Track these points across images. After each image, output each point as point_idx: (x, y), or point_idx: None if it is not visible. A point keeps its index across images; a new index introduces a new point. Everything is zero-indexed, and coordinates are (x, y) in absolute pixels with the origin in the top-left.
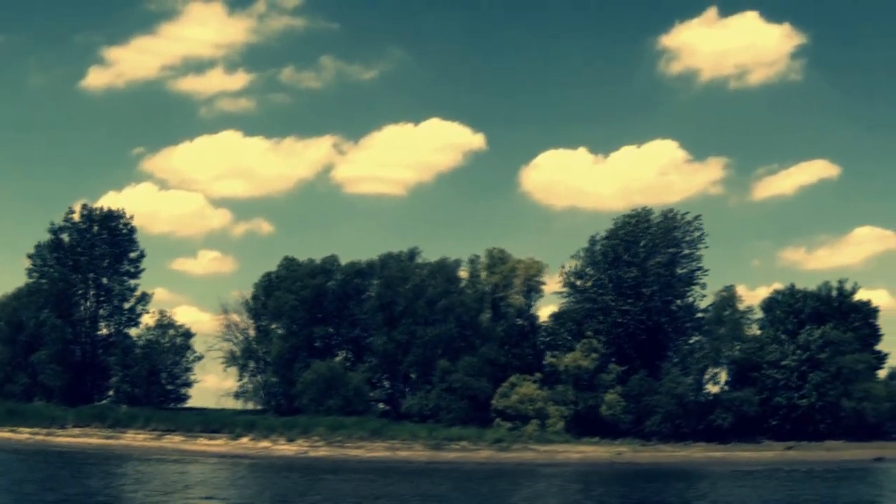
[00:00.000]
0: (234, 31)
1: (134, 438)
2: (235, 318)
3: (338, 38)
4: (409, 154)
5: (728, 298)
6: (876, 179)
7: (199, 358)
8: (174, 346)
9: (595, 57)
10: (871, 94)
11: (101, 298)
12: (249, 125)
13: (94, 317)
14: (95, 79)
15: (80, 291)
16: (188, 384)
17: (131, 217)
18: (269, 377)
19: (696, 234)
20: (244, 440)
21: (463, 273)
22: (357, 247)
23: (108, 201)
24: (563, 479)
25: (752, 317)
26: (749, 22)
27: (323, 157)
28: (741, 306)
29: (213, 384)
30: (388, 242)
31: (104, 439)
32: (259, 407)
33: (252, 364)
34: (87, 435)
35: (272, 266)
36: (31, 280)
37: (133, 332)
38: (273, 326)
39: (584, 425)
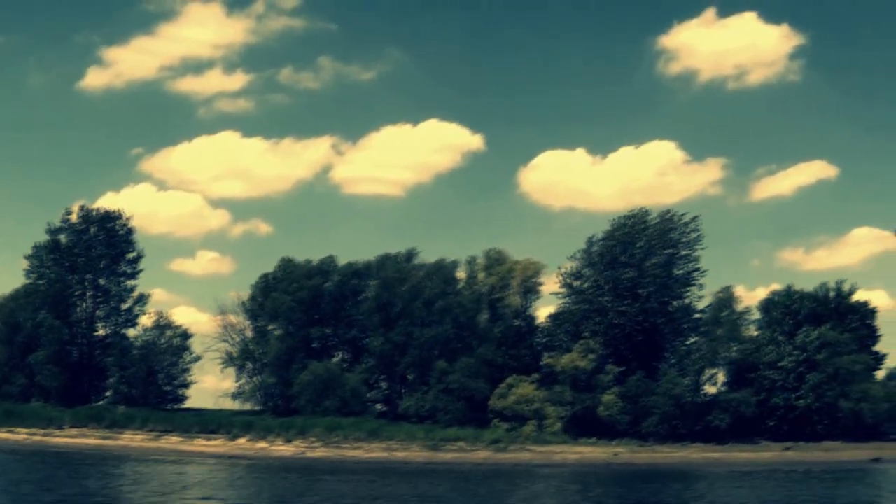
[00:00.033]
0: (233, 31)
1: (131, 439)
2: (233, 318)
3: (336, 39)
4: (407, 155)
5: (725, 299)
6: (874, 180)
7: (197, 359)
8: (172, 347)
9: (594, 57)
10: (870, 95)
11: (99, 299)
12: (248, 126)
13: (91, 318)
14: (94, 79)
15: (77, 292)
16: (186, 385)
17: (129, 218)
18: (266, 378)
19: (694, 235)
20: (241, 441)
21: (460, 274)
22: (356, 247)
23: (107, 202)
24: (560, 480)
25: (750, 318)
26: (748, 22)
27: (321, 157)
28: (739, 307)
29: (211, 385)
30: (386, 243)
31: (101, 440)
32: (256, 408)
33: (249, 365)
34: (84, 435)
35: (270, 267)
36: (28, 281)
37: (131, 332)
38: (270, 327)
39: (582, 426)
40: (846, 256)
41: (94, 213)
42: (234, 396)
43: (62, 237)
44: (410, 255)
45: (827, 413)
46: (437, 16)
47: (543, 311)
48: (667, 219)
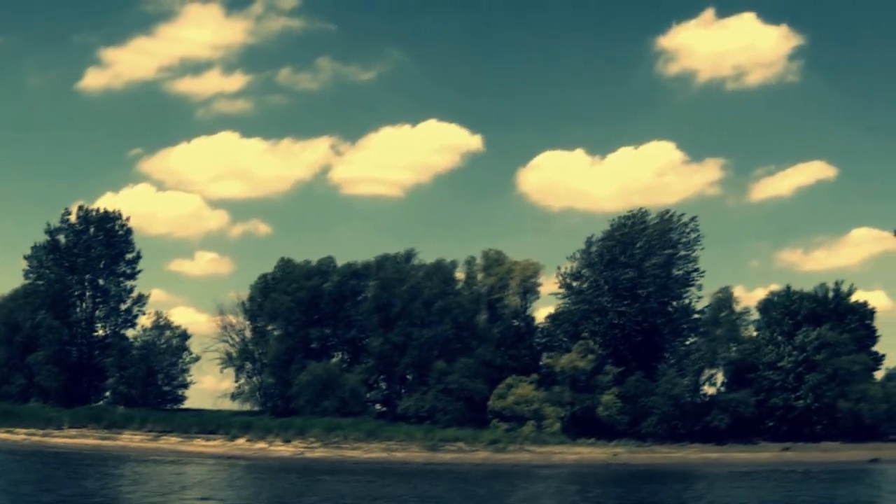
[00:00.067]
0: (232, 32)
1: (130, 439)
2: (232, 319)
3: (335, 40)
4: (406, 155)
5: (724, 300)
6: (873, 180)
7: (196, 359)
8: (171, 348)
9: (592, 58)
10: (869, 96)
11: (98, 300)
12: (247, 126)
13: (90, 318)
14: (93, 80)
15: (76, 293)
16: (185, 385)
17: (128, 218)
18: (265, 378)
19: (693, 235)
20: (240, 441)
21: (459, 274)
22: (355, 248)
23: (106, 202)
24: (559, 481)
25: (749, 318)
26: (746, 23)
27: (320, 158)
28: (738, 307)
29: (210, 385)
30: (385, 244)
31: (100, 440)
32: (256, 408)
33: (248, 365)
34: (83, 436)
35: (269, 267)
36: (27, 281)
37: (130, 333)
38: (269, 328)
39: (581, 426)
40: (845, 257)
41: (93, 213)
42: (234, 397)
43: (61, 237)
44: (409, 255)
45: (826, 413)
46: (436, 16)
47: (542, 312)
48: (666, 219)
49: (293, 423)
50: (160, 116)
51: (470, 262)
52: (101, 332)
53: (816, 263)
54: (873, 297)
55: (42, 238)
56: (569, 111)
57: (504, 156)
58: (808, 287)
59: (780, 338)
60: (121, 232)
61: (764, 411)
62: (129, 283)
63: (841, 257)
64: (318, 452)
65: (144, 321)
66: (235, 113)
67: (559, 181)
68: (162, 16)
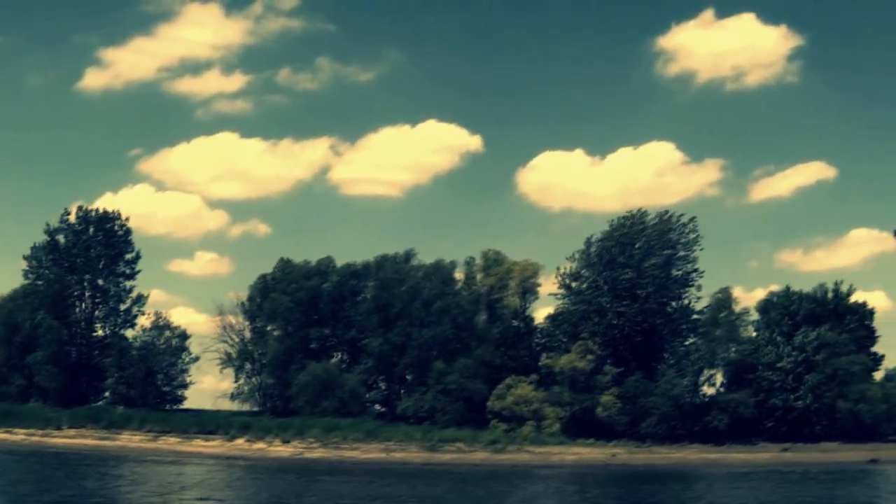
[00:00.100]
0: (231, 32)
1: (130, 440)
2: (231, 319)
3: (334, 40)
4: (405, 156)
5: (724, 300)
6: (873, 181)
7: (196, 359)
8: (170, 348)
9: (592, 58)
10: (869, 96)
11: (97, 300)
12: (246, 127)
13: (89, 318)
14: (92, 80)
15: (75, 293)
16: (184, 385)
17: (127, 218)
18: (264, 379)
19: (692, 235)
20: (239, 441)
21: (458, 275)
22: (354, 248)
23: (105, 202)
24: (559, 481)
25: (748, 318)
26: (746, 23)
27: (320, 158)
28: (737, 308)
29: (209, 386)
30: (385, 244)
31: (99, 440)
32: (255, 408)
33: (248, 365)
34: (82, 436)
35: (269, 267)
36: (27, 281)
37: (129, 333)
38: (269, 328)
39: (580, 427)
40: (845, 257)
41: (93, 213)
42: (233, 397)
43: (60, 237)
44: (409, 255)
45: (825, 414)
46: (436, 16)
47: (542, 312)
48: (665, 220)
49: (292, 423)
50: (160, 116)
51: (469, 263)
52: (100, 333)
53: (816, 264)
54: (873, 298)
55: (41, 238)
56: (568, 111)
57: (503, 156)
58: (807, 287)
59: (779, 338)
60: (120, 232)
61: (763, 412)
62: (128, 284)
63: (840, 258)
64: (317, 453)
65: (144, 321)
66: (235, 113)
67: (558, 181)
68: (162, 16)
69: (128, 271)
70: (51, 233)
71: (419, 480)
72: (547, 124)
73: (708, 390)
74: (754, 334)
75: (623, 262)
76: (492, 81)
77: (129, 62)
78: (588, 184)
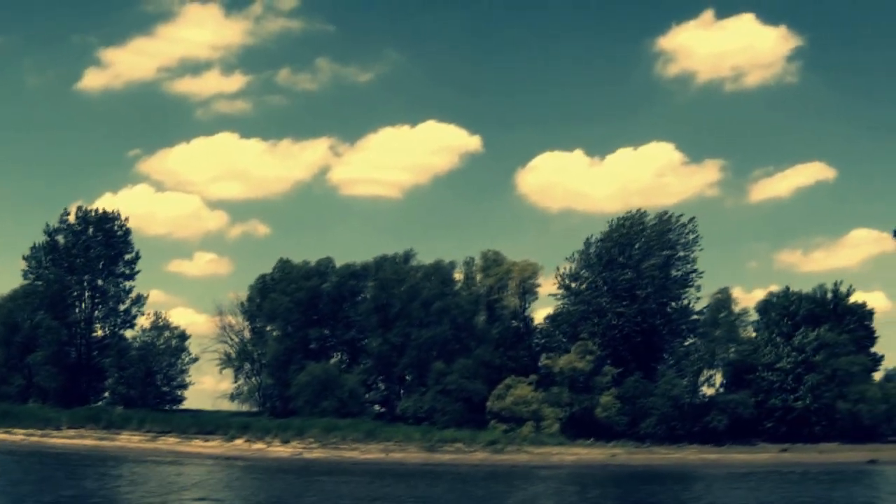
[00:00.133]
0: (231, 32)
1: (129, 440)
2: (231, 319)
3: (334, 40)
4: (405, 156)
5: (723, 300)
6: (872, 181)
7: (195, 360)
8: (170, 348)
9: (591, 59)
10: (868, 97)
11: (97, 300)
12: (246, 127)
13: (89, 318)
14: (92, 80)
15: (75, 293)
16: (184, 386)
17: (126, 219)
18: (264, 379)
19: (691, 236)
20: (238, 442)
21: (458, 275)
22: (353, 249)
23: (105, 203)
24: (558, 482)
25: (748, 319)
26: (746, 24)
27: (319, 159)
28: (736, 308)
29: (209, 386)
30: (384, 244)
31: (98, 441)
32: (254, 409)
33: (247, 366)
34: (81, 436)
35: (268, 268)
36: (26, 281)
37: (128, 333)
38: (268, 328)
39: (580, 427)
40: (844, 258)
41: (92, 213)
42: (232, 397)
43: (60, 238)
44: (408, 256)
45: (825, 414)
46: (435, 17)
47: (541, 313)
48: (664, 220)
49: (291, 423)
50: (159, 117)
51: (468, 263)
52: (99, 333)
53: (815, 264)
54: (872, 298)
55: (41, 238)
56: (568, 112)
57: (503, 156)
58: (807, 288)
59: (778, 339)
60: (119, 232)
61: (763, 412)
62: (127, 284)
63: (840, 258)
64: (316, 453)
65: (143, 322)
66: (234, 113)
67: (558, 182)
68: (161, 16)
69: (127, 271)
70: (50, 233)
71: (418, 481)
72: (546, 125)
73: (707, 391)
74: (754, 335)
75: (622, 262)
76: (491, 82)
77: (128, 62)
78: (587, 184)
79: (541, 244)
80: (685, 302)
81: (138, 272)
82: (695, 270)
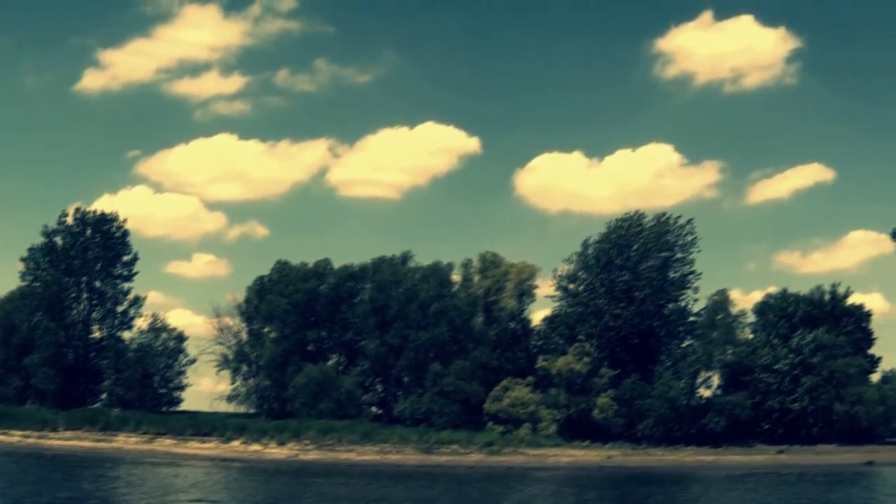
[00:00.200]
0: (230, 33)
1: (125, 442)
2: (228, 321)
3: (333, 42)
4: (403, 157)
5: (720, 302)
6: (871, 183)
7: (192, 361)
8: (167, 350)
9: (590, 60)
10: (867, 98)
11: (94, 302)
12: (244, 128)
13: (87, 320)
14: (91, 81)
15: (73, 295)
16: (181, 387)
17: (124, 220)
18: (261, 381)
19: (689, 238)
20: (235, 443)
21: (455, 277)
22: (352, 250)
23: (103, 204)
24: (555, 483)
25: (745, 321)
26: (744, 26)
27: (318, 160)
28: (734, 310)
29: (206, 388)
30: (383, 246)
31: (95, 442)
32: (252, 410)
33: (245, 367)
34: (78, 438)
35: (267, 269)
36: (24, 283)
37: (126, 335)
38: (265, 330)
39: (577, 429)
40: (842, 259)
41: (90, 215)
42: (230, 399)
43: (58, 239)
44: (405, 257)
45: (822, 416)
46: (434, 18)
47: (539, 314)
48: (662, 222)
49: (288, 425)
50: (158, 118)
51: (466, 265)
52: (97, 335)
53: (814, 266)
54: (871, 300)
55: (39, 240)
56: (566, 113)
57: (501, 158)
58: (805, 289)
59: (775, 340)
60: (117, 234)
61: (760, 414)
62: (125, 286)
63: (838, 260)
64: (313, 455)
65: (141, 323)
66: (233, 115)
67: (557, 183)
68: (160, 17)
69: (125, 273)
70: (48, 234)
71: (415, 482)
72: (545, 126)
73: (704, 392)
74: (751, 336)
75: (620, 264)
76: (490, 83)
77: (127, 63)
78: (586, 185)
79: (539, 245)
80: (683, 304)
81: (136, 274)
82: (692, 272)
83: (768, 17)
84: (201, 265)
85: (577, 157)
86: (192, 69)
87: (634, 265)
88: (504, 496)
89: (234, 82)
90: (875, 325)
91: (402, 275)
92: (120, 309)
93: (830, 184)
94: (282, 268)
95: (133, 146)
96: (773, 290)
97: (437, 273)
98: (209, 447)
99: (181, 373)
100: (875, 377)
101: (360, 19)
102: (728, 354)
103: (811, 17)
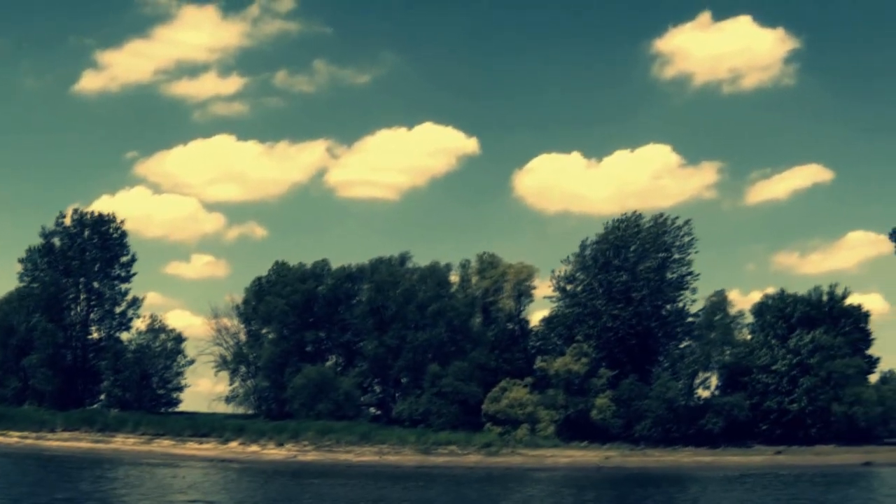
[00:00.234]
0: (228, 34)
1: (123, 442)
2: (226, 322)
3: (331, 42)
4: (402, 158)
5: (719, 303)
6: (869, 183)
7: (191, 362)
8: (165, 351)
9: (589, 61)
10: (865, 98)
11: (93, 302)
12: (243, 129)
13: (85, 321)
14: (89, 82)
15: (71, 296)
16: (180, 388)
17: (122, 221)
18: (259, 381)
19: (687, 238)
20: (233, 444)
21: (454, 277)
22: (351, 251)
23: (102, 205)
24: (553, 484)
25: (743, 321)
26: (743, 26)
27: (316, 161)
28: (732, 311)
29: (205, 389)
30: (381, 247)
31: (93, 443)
32: (250, 411)
33: (243, 368)
34: (76, 439)
35: (265, 270)
36: (22, 284)
37: (124, 336)
38: (264, 331)
39: (575, 430)
40: (841, 260)
41: (88, 216)
42: (228, 400)
43: (56, 240)
44: (404, 258)
45: (820, 417)
46: (432, 19)
47: (537, 315)
48: (660, 223)
49: (287, 426)
50: (156, 119)
51: (464, 266)
52: (95, 336)
53: (812, 267)
54: (869, 301)
55: (37, 241)
56: (565, 114)
57: (500, 159)
58: (804, 290)
59: (773, 341)
60: (115, 235)
61: (758, 415)
62: (123, 286)
63: (837, 260)
64: (311, 456)
65: (139, 324)
66: (231, 115)
67: (555, 184)
68: (158, 18)
69: (123, 274)
70: (46, 235)
71: (413, 483)
72: (543, 127)
73: (702, 393)
74: (749, 337)
75: (618, 264)
76: (488, 84)
77: (125, 64)
78: (585, 186)
79: (538, 246)
80: (681, 304)
81: (134, 275)
82: (690, 273)
83: (767, 18)
84: (200, 266)
85: (575, 157)
86: (191, 70)
87: (632, 266)
88: (502, 497)
89: (233, 83)
90: (873, 325)
91: (401, 275)
92: (118, 310)
93: (829, 184)
94: (280, 269)
95: (132, 147)
96: (771, 290)
97: (436, 274)
98: (207, 448)
99: (179, 374)
100: (873, 378)
101: (358, 20)
102: (726, 355)
103: (809, 17)
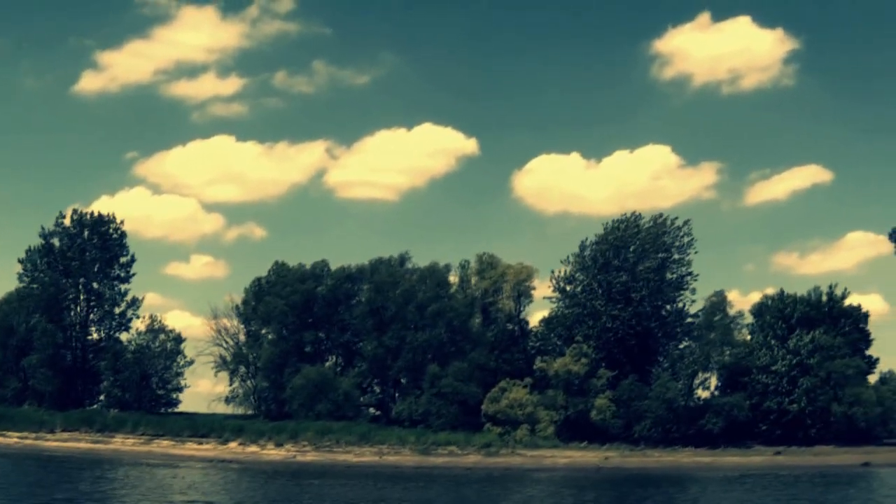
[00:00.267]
0: (227, 35)
1: (123, 443)
2: (226, 322)
3: (330, 43)
4: (401, 159)
5: (718, 303)
6: (869, 184)
7: (190, 363)
8: (165, 351)
9: (588, 62)
10: (865, 99)
11: (92, 303)
12: (242, 130)
13: (84, 321)
14: (89, 83)
15: (70, 296)
16: (179, 389)
17: (122, 221)
18: (259, 382)
19: (686, 239)
20: (232, 445)
21: (453, 278)
22: (350, 251)
23: (102, 205)
24: (552, 485)
25: (743, 322)
26: (742, 27)
27: (315, 161)
28: (731, 311)
29: (204, 389)
30: (380, 247)
31: (93, 444)
32: (249, 412)
33: (242, 369)
34: (75, 439)
35: (265, 271)
36: (22, 284)
37: (124, 336)
38: (263, 331)
39: (574, 430)
40: (840, 260)
41: (87, 216)
42: (227, 400)
43: (55, 241)
44: (403, 258)
45: (819, 417)
46: (432, 20)
47: (536, 316)
48: (659, 223)
49: (286, 426)
50: (156, 119)
51: (464, 266)
52: (95, 336)
53: (812, 267)
54: (869, 301)
55: (36, 241)
56: (564, 115)
57: (499, 159)
58: (803, 291)
59: (773, 341)
60: (115, 235)
61: (758, 415)
62: (123, 287)
63: (836, 261)
64: (310, 456)
65: (139, 325)
66: (231, 116)
67: (554, 185)
68: (158, 19)
69: (122, 274)
70: (45, 236)
71: (412, 484)
72: (543, 127)
73: (702, 394)
74: (748, 338)
75: (617, 265)
76: (488, 84)
77: (125, 65)
78: (584, 187)
79: (537, 247)
80: (680, 305)
81: (134, 275)
82: (690, 273)
83: (766, 19)
84: (199, 266)
85: (574, 158)
86: (190, 71)
87: (632, 266)
88: (502, 497)
89: (232, 84)
90: (873, 326)
91: (400, 276)
92: (118, 310)
93: (828, 185)
94: (279, 269)
95: (131, 147)
96: (771, 291)
97: (435, 274)
98: (207, 448)
99: (179, 374)
100: (873, 378)
101: (357, 21)
102: (726, 355)
103: (809, 18)
